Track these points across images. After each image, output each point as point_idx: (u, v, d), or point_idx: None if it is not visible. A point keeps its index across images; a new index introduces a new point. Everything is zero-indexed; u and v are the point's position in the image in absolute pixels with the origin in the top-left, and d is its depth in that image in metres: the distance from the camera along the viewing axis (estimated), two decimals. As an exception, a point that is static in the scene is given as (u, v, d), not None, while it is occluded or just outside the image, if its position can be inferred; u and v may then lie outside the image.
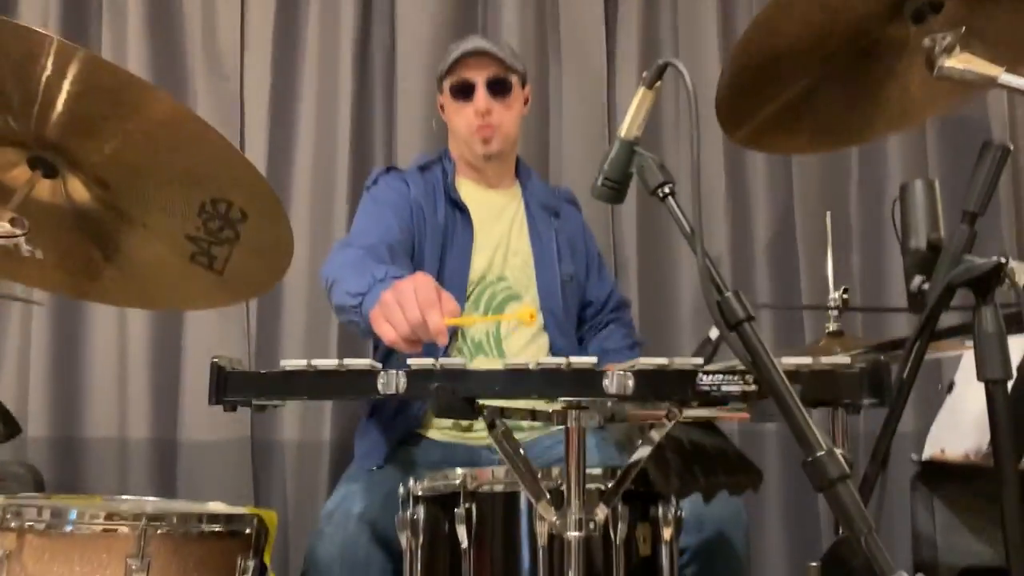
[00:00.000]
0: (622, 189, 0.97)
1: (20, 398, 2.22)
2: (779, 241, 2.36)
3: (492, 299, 1.82)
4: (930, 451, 1.91)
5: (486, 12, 2.42)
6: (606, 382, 0.93)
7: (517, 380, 0.96)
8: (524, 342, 1.81)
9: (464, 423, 1.77)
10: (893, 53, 1.14)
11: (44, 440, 2.24)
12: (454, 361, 0.96)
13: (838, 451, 0.75)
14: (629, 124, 0.97)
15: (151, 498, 1.57)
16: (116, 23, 2.36)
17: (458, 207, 1.84)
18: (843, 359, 0.91)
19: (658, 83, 0.96)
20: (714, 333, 1.26)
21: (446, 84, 1.87)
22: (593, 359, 0.94)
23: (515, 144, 1.94)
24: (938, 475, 1.89)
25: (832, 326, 1.52)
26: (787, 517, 2.24)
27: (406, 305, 1.19)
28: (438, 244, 1.78)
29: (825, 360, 0.91)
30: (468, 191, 1.89)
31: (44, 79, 0.95)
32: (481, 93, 1.82)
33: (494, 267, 1.84)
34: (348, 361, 0.97)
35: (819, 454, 0.75)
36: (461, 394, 0.95)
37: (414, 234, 1.76)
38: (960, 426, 1.87)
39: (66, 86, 0.96)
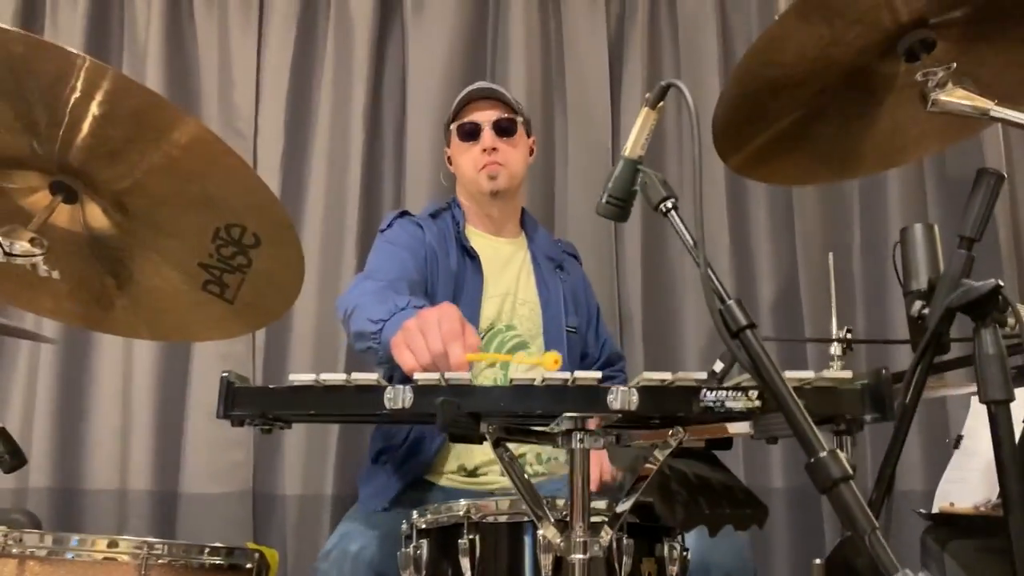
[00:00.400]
0: (626, 207, 1.00)
1: (24, 440, 2.22)
2: (782, 279, 2.39)
3: (501, 346, 1.84)
4: (939, 504, 1.89)
5: (494, 64, 2.50)
6: (610, 398, 0.94)
7: (522, 396, 0.97)
8: (529, 388, 1.82)
9: (469, 467, 1.77)
10: (887, 89, 1.18)
11: (45, 490, 2.24)
12: (460, 376, 0.97)
13: (841, 453, 0.76)
14: (633, 143, 1.00)
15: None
16: (135, 73, 2.44)
17: (469, 255, 1.87)
18: (845, 374, 0.92)
19: (661, 103, 0.99)
20: (718, 366, 1.27)
21: (453, 128, 1.93)
22: (597, 374, 0.96)
23: (520, 187, 1.98)
24: (947, 528, 1.87)
25: (836, 364, 1.51)
26: (791, 517, 2.23)
27: (429, 335, 1.20)
28: (450, 289, 1.80)
29: (827, 375, 0.92)
30: (477, 239, 1.92)
31: (72, 100, 0.98)
32: (488, 132, 1.88)
33: (503, 315, 1.86)
34: (355, 376, 0.98)
35: (821, 455, 0.76)
36: (466, 409, 0.96)
37: (427, 277, 1.78)
38: (969, 479, 1.86)
39: (93, 108, 0.99)
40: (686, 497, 1.22)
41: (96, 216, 1.19)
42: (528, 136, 1.98)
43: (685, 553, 1.24)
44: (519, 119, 1.92)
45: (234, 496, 2.27)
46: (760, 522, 1.28)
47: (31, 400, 2.29)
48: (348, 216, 2.40)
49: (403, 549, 1.25)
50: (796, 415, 0.79)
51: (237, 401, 1.00)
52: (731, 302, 0.89)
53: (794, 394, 0.80)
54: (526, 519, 1.17)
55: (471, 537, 1.19)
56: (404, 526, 1.28)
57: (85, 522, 2.23)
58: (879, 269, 2.37)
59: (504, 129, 1.89)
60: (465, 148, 1.91)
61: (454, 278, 1.82)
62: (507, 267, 1.92)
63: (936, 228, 1.28)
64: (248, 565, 1.31)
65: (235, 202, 1.13)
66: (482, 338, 1.82)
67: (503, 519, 1.21)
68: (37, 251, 1.06)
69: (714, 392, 0.93)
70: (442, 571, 1.22)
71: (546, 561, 1.11)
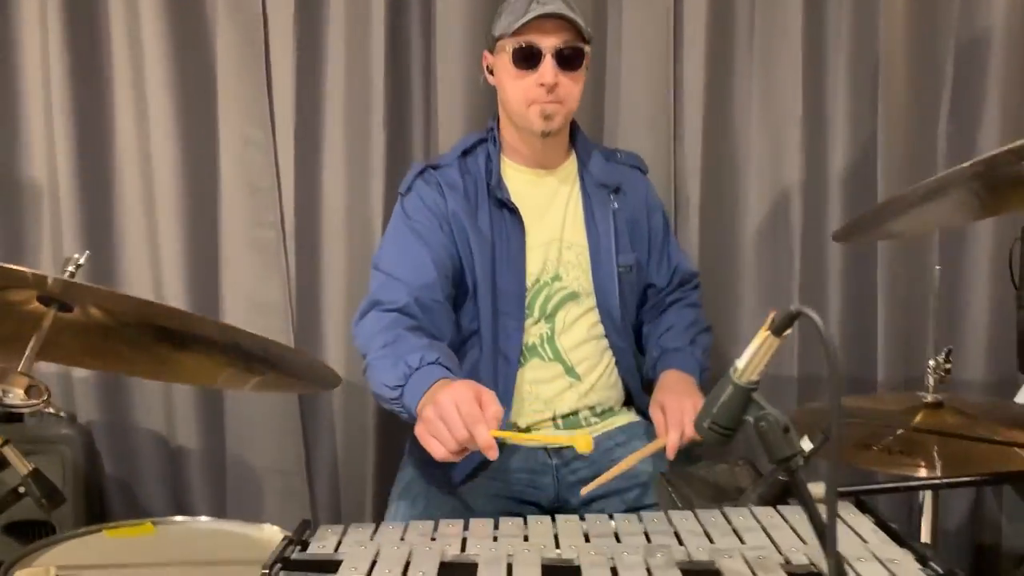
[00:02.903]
0: (731, 435, 0.84)
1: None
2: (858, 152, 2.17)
3: (547, 301, 1.72)
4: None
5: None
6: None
7: None
8: (579, 340, 1.72)
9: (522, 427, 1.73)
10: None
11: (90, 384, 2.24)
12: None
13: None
14: (746, 367, 0.82)
15: (203, 518, 1.58)
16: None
17: (505, 206, 1.68)
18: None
19: (787, 332, 0.80)
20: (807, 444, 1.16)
21: (507, 46, 1.65)
22: None
23: (573, 114, 1.74)
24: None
25: (930, 397, 1.33)
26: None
27: (451, 423, 1.20)
28: (487, 257, 1.66)
29: None
30: (516, 180, 1.73)
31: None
32: (548, 63, 1.62)
33: (548, 266, 1.72)
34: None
35: None
36: None
37: (456, 256, 1.64)
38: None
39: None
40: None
41: (99, 316, 1.06)
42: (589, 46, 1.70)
43: None
44: (586, 48, 1.63)
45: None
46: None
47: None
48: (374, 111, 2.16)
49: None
50: None
51: None
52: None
53: None
54: None
55: None
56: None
57: (135, 417, 2.25)
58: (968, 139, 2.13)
59: (568, 59, 1.62)
60: (518, 75, 1.64)
61: (490, 243, 1.66)
62: (551, 207, 1.75)
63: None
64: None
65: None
66: (527, 295, 1.69)
67: None
68: (35, 400, 0.94)
69: None
70: None
71: None
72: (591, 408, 1.74)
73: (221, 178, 2.20)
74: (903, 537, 1.00)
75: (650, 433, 1.71)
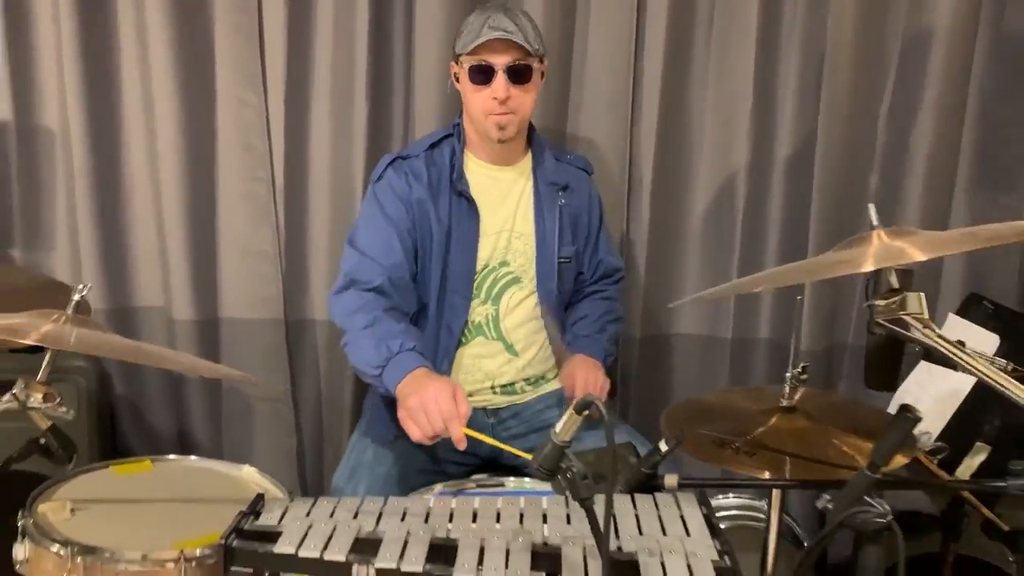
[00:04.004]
0: (552, 476, 1.13)
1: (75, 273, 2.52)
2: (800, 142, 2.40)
3: (494, 285, 2.00)
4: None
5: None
6: None
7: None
8: (519, 321, 2.02)
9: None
10: None
11: (101, 312, 2.55)
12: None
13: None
14: (560, 431, 1.10)
15: (193, 457, 1.92)
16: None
17: (463, 197, 1.94)
18: None
19: (586, 411, 1.08)
20: (664, 446, 1.46)
21: (464, 63, 1.89)
22: None
23: (528, 120, 1.98)
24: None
25: (785, 401, 1.60)
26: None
27: (430, 415, 1.54)
28: (443, 242, 1.93)
29: None
30: (477, 174, 1.99)
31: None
32: (500, 79, 1.87)
33: (497, 252, 1.99)
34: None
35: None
36: None
37: (416, 240, 1.90)
38: (923, 402, 2.06)
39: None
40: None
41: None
42: (542, 62, 1.93)
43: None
44: (534, 62, 1.86)
45: (268, 323, 2.57)
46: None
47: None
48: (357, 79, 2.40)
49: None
50: None
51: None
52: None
53: None
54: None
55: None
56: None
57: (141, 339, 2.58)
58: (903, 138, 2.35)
59: (519, 74, 1.86)
60: (475, 88, 1.90)
61: (446, 230, 1.93)
62: (505, 201, 2.01)
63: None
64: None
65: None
66: (475, 278, 1.97)
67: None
68: (49, 404, 1.25)
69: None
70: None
71: None
72: (526, 379, 2.06)
73: (218, 136, 2.47)
74: (720, 531, 1.32)
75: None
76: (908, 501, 2.16)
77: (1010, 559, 2.00)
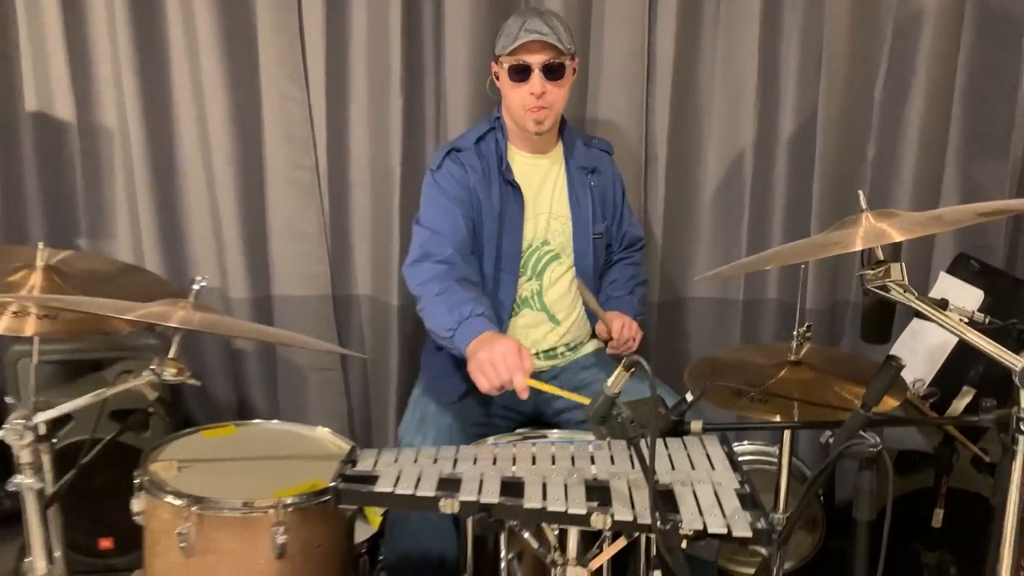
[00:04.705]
0: (606, 420, 1.39)
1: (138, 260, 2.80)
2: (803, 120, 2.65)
3: (538, 262, 2.28)
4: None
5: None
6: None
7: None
8: (560, 294, 2.29)
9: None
10: None
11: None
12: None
13: None
14: (611, 384, 1.37)
15: (274, 422, 2.21)
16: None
17: (511, 184, 2.20)
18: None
19: (632, 369, 1.34)
20: (689, 397, 1.73)
21: (504, 62, 2.15)
22: None
23: (560, 113, 2.25)
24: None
25: (793, 356, 1.87)
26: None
27: (497, 367, 1.76)
28: (495, 224, 2.20)
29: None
30: (518, 162, 2.25)
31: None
32: (537, 76, 2.12)
33: (539, 233, 2.26)
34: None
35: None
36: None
37: (474, 220, 2.17)
38: (918, 352, 2.33)
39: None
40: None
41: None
42: (573, 60, 2.19)
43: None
44: (567, 60, 2.11)
45: (316, 299, 2.84)
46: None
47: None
48: (392, 75, 2.65)
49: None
50: None
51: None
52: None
53: None
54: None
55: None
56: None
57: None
58: (897, 112, 2.60)
59: (553, 71, 2.11)
60: (514, 85, 2.15)
61: (498, 213, 2.20)
62: (543, 186, 2.27)
63: None
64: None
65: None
66: (522, 255, 2.24)
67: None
68: (183, 377, 1.53)
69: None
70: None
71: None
72: (566, 345, 2.34)
73: (264, 128, 2.72)
74: (740, 465, 1.60)
75: (608, 358, 2.31)
76: (906, 442, 2.43)
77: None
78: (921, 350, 2.30)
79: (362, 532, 2.32)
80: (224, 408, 2.88)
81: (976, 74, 2.60)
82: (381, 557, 2.34)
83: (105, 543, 2.49)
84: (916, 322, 2.34)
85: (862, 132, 2.65)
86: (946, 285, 2.30)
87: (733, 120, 2.67)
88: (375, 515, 2.39)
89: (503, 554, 1.74)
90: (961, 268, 2.34)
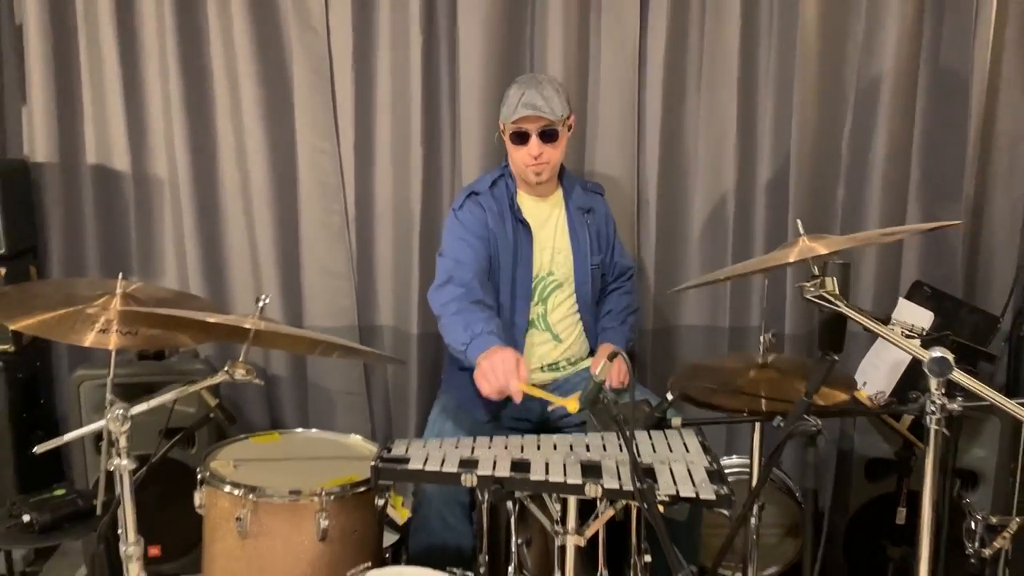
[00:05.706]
0: (593, 406, 1.74)
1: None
2: (779, 163, 3.03)
3: (544, 290, 2.66)
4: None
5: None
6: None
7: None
8: (562, 316, 2.67)
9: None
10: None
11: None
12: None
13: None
14: (599, 373, 1.73)
15: (313, 430, 2.57)
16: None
17: (522, 223, 2.60)
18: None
19: (615, 359, 1.71)
20: (669, 396, 2.09)
21: (507, 128, 2.57)
22: None
23: (558, 166, 2.65)
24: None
25: (760, 359, 2.24)
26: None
27: (497, 373, 2.13)
28: (510, 257, 2.58)
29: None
30: (526, 204, 2.65)
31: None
32: (534, 141, 2.52)
33: (545, 265, 2.65)
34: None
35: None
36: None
37: (491, 254, 2.56)
38: (880, 368, 2.68)
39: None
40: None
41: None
42: (569, 117, 2.58)
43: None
44: (560, 126, 2.51)
45: (344, 329, 3.21)
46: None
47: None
48: (412, 129, 3.06)
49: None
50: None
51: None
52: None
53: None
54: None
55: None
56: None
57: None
58: (862, 157, 2.99)
59: (548, 136, 2.51)
60: (515, 148, 2.56)
61: (512, 248, 2.59)
62: (547, 224, 2.67)
63: None
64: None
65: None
66: (532, 285, 2.62)
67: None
68: (250, 377, 1.89)
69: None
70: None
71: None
72: (567, 359, 2.70)
73: (299, 178, 3.13)
74: (711, 449, 1.95)
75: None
76: (873, 451, 2.76)
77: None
78: (882, 366, 2.66)
79: (389, 538, 2.65)
80: (260, 428, 3.22)
81: (930, 123, 2.99)
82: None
83: (153, 550, 2.83)
84: (879, 342, 2.70)
85: (831, 176, 3.03)
86: (904, 308, 2.67)
87: (716, 167, 3.07)
88: (403, 508, 2.73)
89: (514, 540, 2.08)
90: (916, 293, 2.72)
